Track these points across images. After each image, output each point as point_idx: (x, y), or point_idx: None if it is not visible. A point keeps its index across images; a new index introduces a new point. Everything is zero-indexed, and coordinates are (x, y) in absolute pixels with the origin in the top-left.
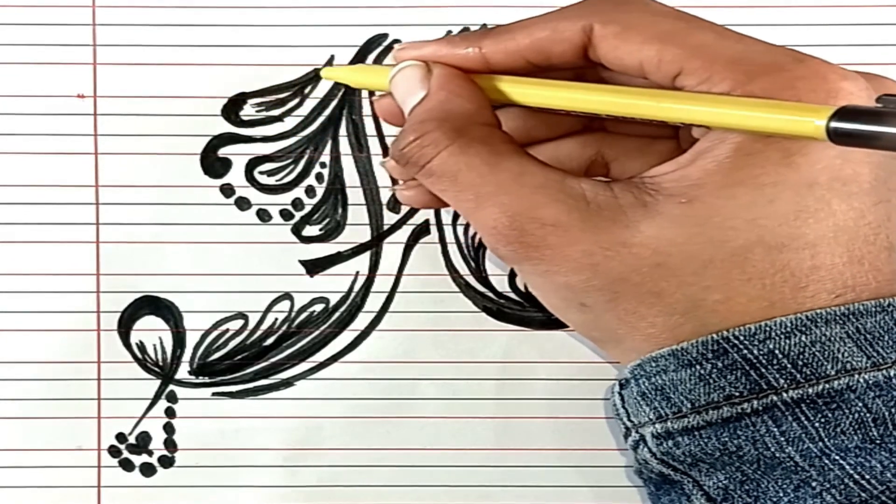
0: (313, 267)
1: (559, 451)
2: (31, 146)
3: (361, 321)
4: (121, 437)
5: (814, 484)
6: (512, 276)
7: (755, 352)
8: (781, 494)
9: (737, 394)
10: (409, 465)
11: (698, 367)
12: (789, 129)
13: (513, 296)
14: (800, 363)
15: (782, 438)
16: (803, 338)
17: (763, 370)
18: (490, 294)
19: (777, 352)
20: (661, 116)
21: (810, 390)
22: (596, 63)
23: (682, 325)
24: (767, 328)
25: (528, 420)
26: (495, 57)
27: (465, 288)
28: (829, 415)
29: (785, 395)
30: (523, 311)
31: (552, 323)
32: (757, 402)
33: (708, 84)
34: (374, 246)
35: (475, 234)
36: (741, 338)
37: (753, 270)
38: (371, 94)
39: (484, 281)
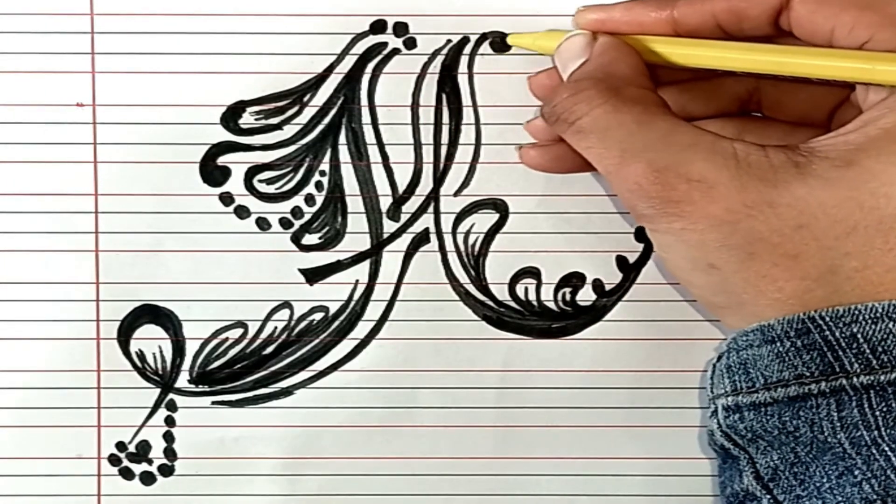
0: (313, 275)
1: (558, 460)
2: (30, 155)
3: (361, 330)
4: (120, 445)
5: (856, 472)
6: (512, 284)
7: (837, 334)
8: (825, 480)
9: (807, 374)
10: (408, 474)
11: (778, 344)
12: None
13: (513, 304)
14: (879, 350)
15: (838, 423)
16: (890, 325)
17: (840, 353)
18: (490, 303)
19: (860, 336)
20: (838, 75)
21: (882, 377)
22: (783, 31)
23: (813, 291)
24: (856, 312)
25: (528, 429)
26: (686, 19)
27: (465, 296)
28: (893, 404)
29: (855, 379)
30: (523, 319)
31: (552, 332)
32: (825, 383)
33: None
34: (373, 254)
35: (475, 242)
36: (827, 319)
37: None
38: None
39: (484, 289)
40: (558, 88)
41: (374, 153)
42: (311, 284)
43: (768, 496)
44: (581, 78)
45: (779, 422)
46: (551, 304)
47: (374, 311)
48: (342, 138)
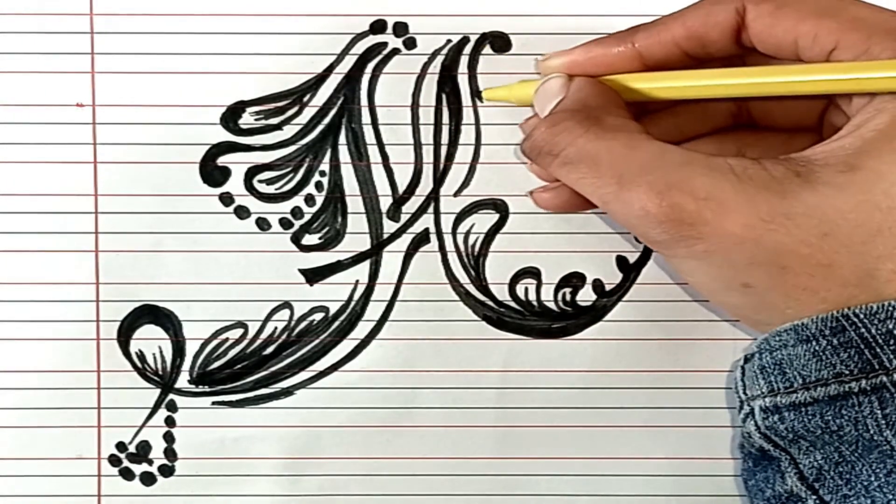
0: (313, 276)
1: (558, 460)
2: (30, 155)
3: (361, 330)
4: (121, 446)
5: None
6: (512, 284)
7: (873, 331)
8: (873, 478)
9: (847, 372)
10: (409, 475)
11: (814, 342)
12: None
13: (513, 304)
14: None
15: (883, 421)
16: None
17: (878, 350)
18: (490, 303)
19: None
20: (823, 90)
21: None
22: (748, 48)
23: (857, 297)
24: (890, 308)
25: (528, 429)
26: (649, 51)
27: (465, 296)
28: None
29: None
30: (523, 319)
31: (552, 332)
32: (866, 381)
33: (867, 56)
34: (373, 254)
35: (475, 242)
36: (861, 316)
37: None
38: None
39: (484, 289)
40: (536, 123)
41: (374, 153)
42: (311, 285)
43: (814, 496)
44: (556, 112)
45: (821, 421)
46: (551, 305)
47: (374, 311)
48: (342, 138)
